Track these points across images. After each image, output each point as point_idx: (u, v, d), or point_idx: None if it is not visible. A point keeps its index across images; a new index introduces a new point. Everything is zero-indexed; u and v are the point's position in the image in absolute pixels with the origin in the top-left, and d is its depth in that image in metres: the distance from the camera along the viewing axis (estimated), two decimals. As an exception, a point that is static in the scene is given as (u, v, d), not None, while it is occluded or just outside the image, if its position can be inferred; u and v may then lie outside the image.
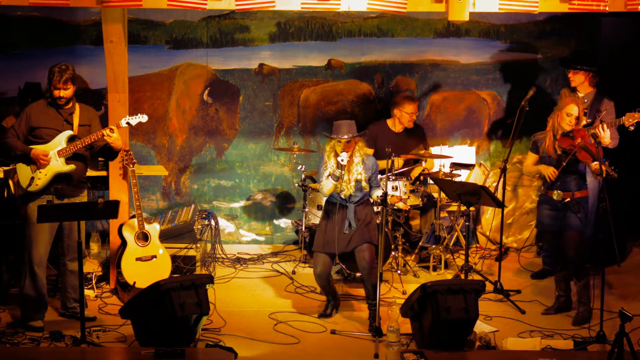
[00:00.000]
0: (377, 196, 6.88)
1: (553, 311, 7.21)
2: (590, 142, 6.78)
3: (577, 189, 6.94)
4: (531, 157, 7.21)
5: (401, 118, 8.44)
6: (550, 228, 7.10)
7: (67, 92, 6.74)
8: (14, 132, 6.80)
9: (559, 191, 6.95)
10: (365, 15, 8.90)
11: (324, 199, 7.14)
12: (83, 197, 6.98)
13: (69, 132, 6.77)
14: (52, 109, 6.81)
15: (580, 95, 7.92)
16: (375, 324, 6.69)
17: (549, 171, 6.93)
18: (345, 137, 6.77)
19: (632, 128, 7.22)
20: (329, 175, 6.81)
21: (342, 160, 6.72)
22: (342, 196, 6.90)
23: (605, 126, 7.09)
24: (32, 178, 6.75)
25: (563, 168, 6.87)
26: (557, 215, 7.02)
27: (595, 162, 6.69)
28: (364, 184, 6.89)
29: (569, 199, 6.93)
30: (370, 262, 6.91)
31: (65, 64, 6.76)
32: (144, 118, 6.93)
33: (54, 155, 6.73)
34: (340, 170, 6.75)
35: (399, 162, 8.19)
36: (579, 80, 7.86)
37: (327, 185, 6.86)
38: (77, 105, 6.88)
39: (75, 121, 6.83)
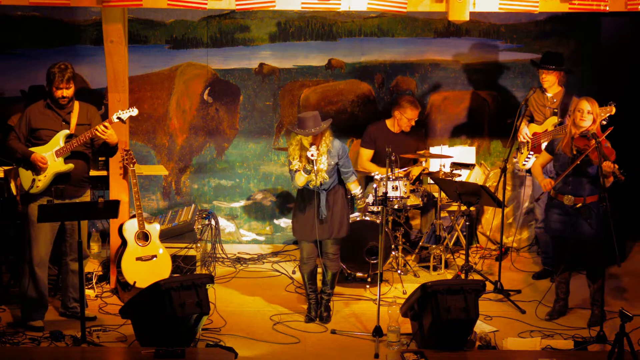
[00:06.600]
0: (359, 193, 7.17)
1: (556, 315, 7.19)
2: (605, 145, 6.72)
3: (588, 194, 6.86)
4: (543, 157, 7.20)
5: (400, 121, 8.43)
6: (560, 233, 7.02)
7: (69, 91, 6.75)
8: (15, 135, 6.82)
9: (570, 196, 6.91)
10: (365, 15, 8.90)
11: None
12: (86, 197, 6.98)
13: (65, 132, 6.77)
14: (50, 110, 6.80)
15: (549, 95, 7.94)
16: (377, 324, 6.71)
17: (545, 182, 6.97)
18: (312, 130, 6.79)
19: (604, 122, 7.23)
20: (303, 169, 6.86)
21: (311, 155, 6.78)
22: (311, 186, 6.94)
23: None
24: (33, 180, 6.76)
25: (576, 171, 6.83)
26: (568, 221, 6.94)
27: (606, 162, 6.63)
28: (329, 169, 6.94)
29: (580, 204, 6.88)
30: (334, 253, 7.10)
31: (64, 63, 6.76)
32: (134, 112, 6.92)
33: (52, 155, 6.73)
34: (311, 165, 6.81)
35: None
36: (552, 80, 7.90)
37: (300, 178, 6.92)
38: (76, 104, 6.88)
39: (73, 120, 6.83)
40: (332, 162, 6.90)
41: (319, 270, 7.30)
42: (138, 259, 7.33)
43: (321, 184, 6.91)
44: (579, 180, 6.87)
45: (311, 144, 6.81)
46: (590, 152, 6.70)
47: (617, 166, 6.66)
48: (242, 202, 9.19)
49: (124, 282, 7.35)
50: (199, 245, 7.86)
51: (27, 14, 8.68)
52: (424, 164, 8.57)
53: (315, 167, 6.80)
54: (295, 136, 6.93)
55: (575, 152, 6.83)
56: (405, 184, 7.94)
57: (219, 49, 8.93)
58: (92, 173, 7.86)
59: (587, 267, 7.09)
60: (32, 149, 6.76)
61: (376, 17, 8.93)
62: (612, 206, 6.56)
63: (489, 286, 7.52)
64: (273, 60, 8.99)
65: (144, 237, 7.38)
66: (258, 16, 8.89)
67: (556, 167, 7.04)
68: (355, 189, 7.19)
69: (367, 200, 7.81)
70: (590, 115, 6.83)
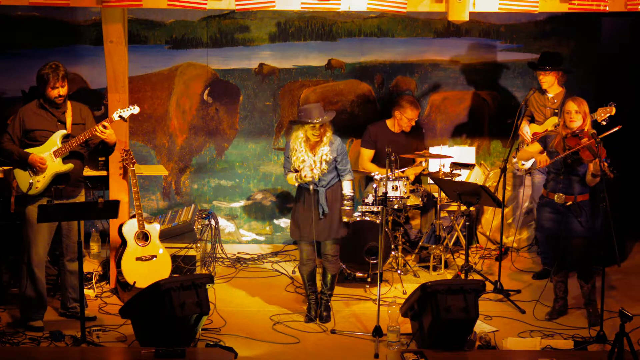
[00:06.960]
0: (349, 193, 6.97)
1: (556, 315, 7.19)
2: (595, 144, 6.74)
3: (579, 193, 6.90)
4: (534, 146, 7.22)
5: (400, 121, 8.44)
6: (552, 232, 7.06)
7: (64, 89, 6.72)
8: (9, 137, 6.77)
9: (561, 194, 6.94)
10: (365, 15, 8.90)
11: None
12: (81, 197, 6.97)
13: (62, 132, 6.75)
14: (44, 111, 6.76)
15: (550, 95, 7.95)
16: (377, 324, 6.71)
17: (542, 157, 6.96)
18: (319, 120, 6.78)
19: (604, 123, 7.29)
20: (295, 178, 6.91)
21: (305, 176, 6.83)
22: (308, 181, 6.95)
23: None
24: (31, 182, 6.73)
25: (567, 170, 6.86)
26: (559, 219, 6.97)
27: (595, 160, 6.66)
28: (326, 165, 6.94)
29: (570, 202, 6.90)
30: (333, 254, 7.07)
31: (54, 63, 6.72)
32: (135, 109, 6.91)
33: (51, 156, 6.72)
34: (309, 183, 6.87)
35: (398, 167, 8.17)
36: (551, 81, 7.92)
37: (292, 180, 6.97)
38: (69, 104, 6.85)
39: (68, 120, 6.81)
40: (331, 157, 6.89)
41: (319, 270, 7.30)
42: (138, 259, 7.33)
43: (320, 179, 6.90)
44: (570, 179, 6.90)
45: (315, 136, 6.80)
46: (580, 151, 6.73)
47: (606, 164, 6.66)
48: (242, 202, 9.19)
49: (124, 282, 7.34)
50: (199, 245, 7.86)
51: (27, 14, 8.68)
52: (423, 164, 8.57)
53: (312, 185, 6.85)
54: (297, 130, 6.90)
55: (567, 151, 6.87)
56: (405, 184, 7.94)
57: (219, 49, 8.93)
58: (92, 173, 7.90)
59: (578, 266, 7.07)
60: (27, 149, 6.73)
61: (376, 17, 8.94)
62: (612, 205, 6.57)
63: (489, 286, 7.52)
64: (273, 60, 8.99)
65: (143, 237, 7.38)
66: (258, 16, 8.89)
67: (549, 166, 7.07)
68: (348, 188, 7.00)
69: (353, 214, 7.32)
70: (578, 114, 6.86)
